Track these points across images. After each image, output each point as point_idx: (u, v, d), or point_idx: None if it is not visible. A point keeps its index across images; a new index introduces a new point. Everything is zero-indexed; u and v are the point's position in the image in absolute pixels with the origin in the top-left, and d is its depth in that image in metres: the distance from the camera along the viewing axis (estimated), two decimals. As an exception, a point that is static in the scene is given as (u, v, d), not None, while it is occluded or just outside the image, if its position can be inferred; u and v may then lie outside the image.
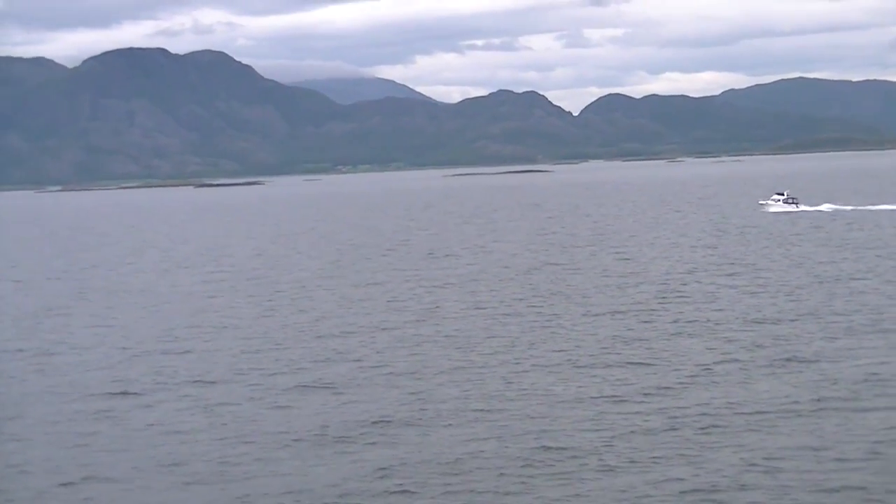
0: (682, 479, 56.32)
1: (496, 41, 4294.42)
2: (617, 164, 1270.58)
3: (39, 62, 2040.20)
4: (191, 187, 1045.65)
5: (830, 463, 58.08)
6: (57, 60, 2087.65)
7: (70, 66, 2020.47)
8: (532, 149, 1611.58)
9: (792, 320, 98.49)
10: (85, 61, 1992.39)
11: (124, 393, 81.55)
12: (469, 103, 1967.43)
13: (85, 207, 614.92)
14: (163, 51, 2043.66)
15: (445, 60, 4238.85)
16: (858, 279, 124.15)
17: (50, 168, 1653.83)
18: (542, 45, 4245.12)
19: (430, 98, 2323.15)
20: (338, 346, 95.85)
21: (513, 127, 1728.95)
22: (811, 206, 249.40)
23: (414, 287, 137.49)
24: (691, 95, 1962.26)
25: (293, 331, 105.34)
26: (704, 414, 68.09)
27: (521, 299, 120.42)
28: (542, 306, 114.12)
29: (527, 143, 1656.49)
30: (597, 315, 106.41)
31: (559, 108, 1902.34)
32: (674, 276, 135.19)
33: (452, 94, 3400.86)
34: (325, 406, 74.52)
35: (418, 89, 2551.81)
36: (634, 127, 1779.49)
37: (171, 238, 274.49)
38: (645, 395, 73.63)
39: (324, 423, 69.67)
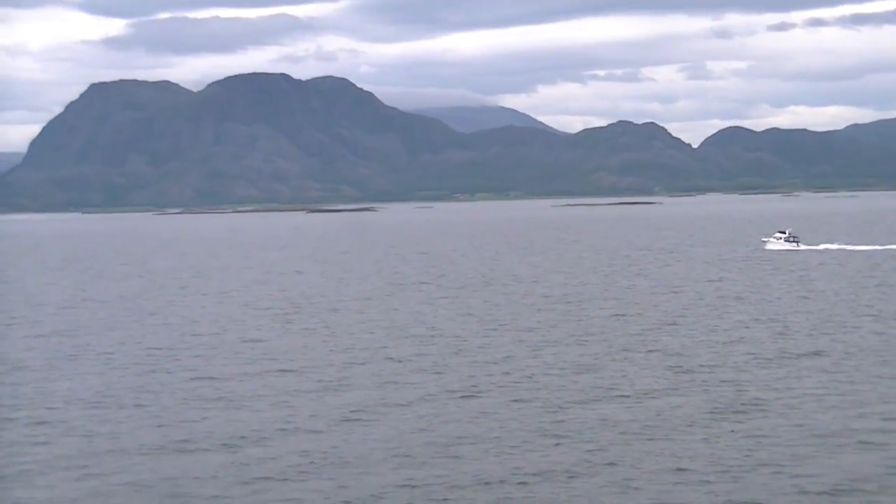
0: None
1: (619, 72, 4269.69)
2: (734, 197, 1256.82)
3: (164, 86, 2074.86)
4: (303, 212, 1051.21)
5: None
6: (182, 84, 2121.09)
7: (194, 90, 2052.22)
8: (649, 181, 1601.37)
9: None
10: (209, 86, 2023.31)
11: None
12: (588, 133, 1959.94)
13: (178, 228, 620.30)
14: (285, 76, 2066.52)
15: (568, 90, 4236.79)
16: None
17: (172, 191, 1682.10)
18: (665, 76, 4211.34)
19: (551, 128, 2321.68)
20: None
21: (631, 158, 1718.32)
22: (812, 245, 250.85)
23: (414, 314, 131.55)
24: (813, 130, 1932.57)
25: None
26: None
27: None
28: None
29: (644, 174, 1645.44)
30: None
31: (678, 140, 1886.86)
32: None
33: (574, 124, 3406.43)
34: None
35: (539, 118, 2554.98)
36: (754, 160, 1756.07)
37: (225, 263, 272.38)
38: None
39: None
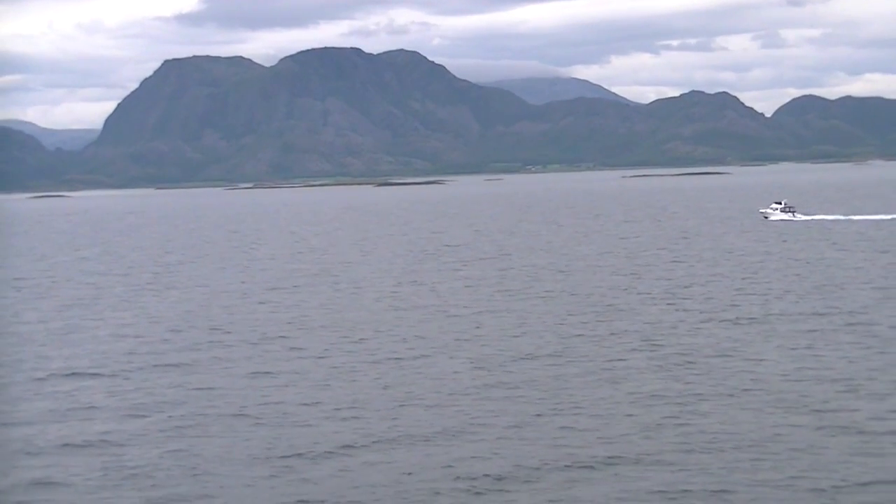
0: None
1: (692, 41, 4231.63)
2: (806, 166, 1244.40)
3: (237, 61, 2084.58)
4: (371, 186, 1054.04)
5: None
6: (255, 60, 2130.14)
7: (267, 65, 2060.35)
8: (723, 150, 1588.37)
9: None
10: (281, 60, 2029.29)
11: None
12: (661, 104, 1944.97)
13: (241, 203, 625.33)
14: (357, 50, 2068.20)
15: (640, 60, 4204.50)
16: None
17: (246, 166, 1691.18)
18: (738, 45, 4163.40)
19: (623, 98, 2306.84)
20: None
21: (704, 128, 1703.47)
22: (807, 215, 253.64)
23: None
24: (888, 97, 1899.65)
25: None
26: None
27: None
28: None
29: (718, 144, 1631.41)
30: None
31: (751, 109, 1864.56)
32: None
33: (647, 95, 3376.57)
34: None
35: (612, 89, 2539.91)
36: (828, 129, 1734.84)
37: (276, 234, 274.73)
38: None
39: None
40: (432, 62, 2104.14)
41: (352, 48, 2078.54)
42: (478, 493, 54.19)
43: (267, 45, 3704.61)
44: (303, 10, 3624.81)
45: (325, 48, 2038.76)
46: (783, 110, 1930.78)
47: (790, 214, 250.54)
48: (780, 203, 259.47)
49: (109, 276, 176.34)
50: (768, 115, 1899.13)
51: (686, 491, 53.35)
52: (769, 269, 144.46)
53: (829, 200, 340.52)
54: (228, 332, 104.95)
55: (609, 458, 58.75)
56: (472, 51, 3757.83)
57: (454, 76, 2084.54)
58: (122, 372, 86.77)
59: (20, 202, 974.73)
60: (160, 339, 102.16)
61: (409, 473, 57.31)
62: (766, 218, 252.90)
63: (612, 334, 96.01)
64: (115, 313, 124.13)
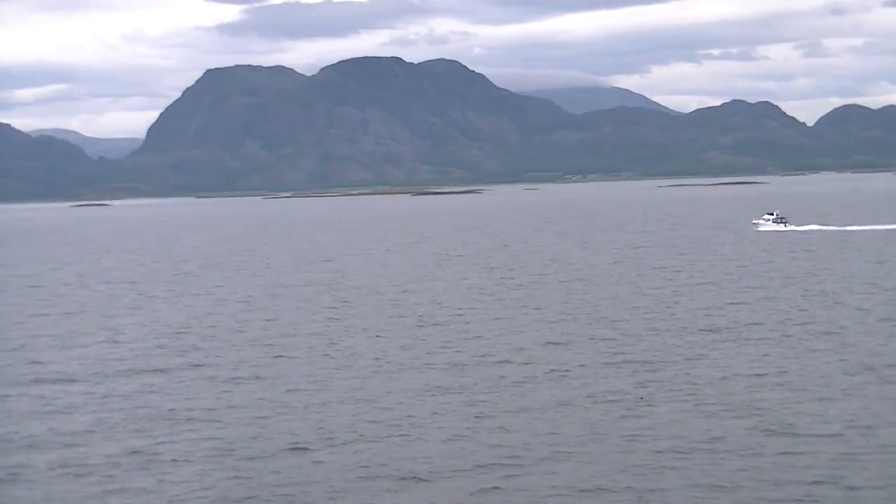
0: None
1: (733, 50, 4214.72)
2: (846, 175, 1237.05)
3: (278, 71, 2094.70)
4: (408, 195, 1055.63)
5: None
6: (296, 69, 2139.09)
7: (308, 74, 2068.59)
8: (762, 160, 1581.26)
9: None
10: (322, 70, 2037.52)
11: None
12: (701, 113, 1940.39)
13: (268, 212, 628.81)
14: (397, 59, 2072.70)
15: (681, 70, 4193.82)
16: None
17: (287, 175, 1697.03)
18: (780, 54, 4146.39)
19: (664, 107, 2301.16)
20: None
21: (744, 137, 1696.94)
22: (799, 225, 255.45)
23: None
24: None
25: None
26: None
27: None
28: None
29: (757, 153, 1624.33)
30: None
31: (793, 118, 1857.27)
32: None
33: (688, 104, 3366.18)
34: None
35: (654, 99, 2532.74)
36: (870, 138, 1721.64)
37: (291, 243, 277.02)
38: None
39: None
40: (472, 71, 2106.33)
41: (392, 57, 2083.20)
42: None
43: (308, 54, 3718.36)
44: (343, 21, 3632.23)
45: (366, 58, 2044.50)
46: (825, 120, 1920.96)
47: (782, 225, 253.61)
48: (772, 214, 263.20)
49: (123, 283, 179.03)
50: (810, 124, 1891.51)
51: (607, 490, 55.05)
52: (728, 278, 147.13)
53: (841, 211, 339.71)
54: (212, 339, 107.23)
55: (549, 455, 60.51)
56: (512, 60, 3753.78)
57: (494, 85, 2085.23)
58: (98, 376, 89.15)
59: (61, 210, 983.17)
60: (153, 346, 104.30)
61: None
62: (758, 229, 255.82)
63: (591, 338, 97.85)
64: (116, 320, 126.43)
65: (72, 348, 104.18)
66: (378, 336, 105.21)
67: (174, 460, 62.99)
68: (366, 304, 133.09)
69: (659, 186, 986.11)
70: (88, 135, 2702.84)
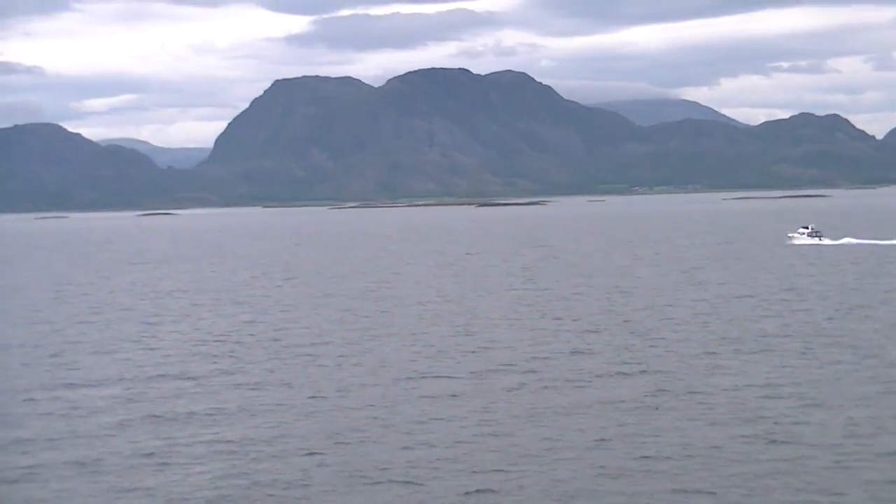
0: None
1: (803, 63, 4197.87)
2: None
3: (346, 81, 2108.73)
4: (473, 206, 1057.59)
5: None
6: (363, 80, 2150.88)
7: (375, 85, 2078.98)
8: (831, 173, 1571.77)
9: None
10: (389, 81, 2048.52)
11: None
12: (770, 126, 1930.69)
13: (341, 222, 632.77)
14: (465, 71, 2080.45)
15: (750, 82, 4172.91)
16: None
17: (353, 185, 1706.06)
18: (849, 67, 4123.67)
19: (732, 120, 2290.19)
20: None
21: (813, 150, 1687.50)
22: (833, 240, 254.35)
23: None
24: None
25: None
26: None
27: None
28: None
29: (826, 166, 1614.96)
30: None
31: (862, 131, 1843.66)
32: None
33: (757, 116, 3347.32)
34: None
35: (722, 111, 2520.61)
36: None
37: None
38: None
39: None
40: (539, 83, 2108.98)
41: (459, 69, 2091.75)
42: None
43: (375, 65, 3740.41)
44: (411, 32, 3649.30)
45: (433, 69, 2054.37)
46: (895, 133, 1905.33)
47: (816, 239, 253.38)
48: (807, 228, 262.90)
49: (173, 291, 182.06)
50: (879, 137, 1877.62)
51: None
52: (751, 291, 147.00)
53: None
54: (248, 347, 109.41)
55: (545, 458, 61.80)
56: (580, 72, 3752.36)
57: (561, 97, 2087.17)
58: (127, 381, 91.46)
59: (127, 219, 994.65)
60: (189, 353, 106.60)
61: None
62: (793, 242, 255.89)
63: (617, 348, 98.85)
64: (158, 327, 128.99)
65: (108, 354, 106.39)
66: (410, 345, 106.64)
67: (185, 462, 64.83)
68: (406, 314, 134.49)
69: (723, 199, 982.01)
70: (158, 144, 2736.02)
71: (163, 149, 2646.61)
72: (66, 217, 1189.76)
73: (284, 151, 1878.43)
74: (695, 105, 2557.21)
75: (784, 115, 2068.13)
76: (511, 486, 58.13)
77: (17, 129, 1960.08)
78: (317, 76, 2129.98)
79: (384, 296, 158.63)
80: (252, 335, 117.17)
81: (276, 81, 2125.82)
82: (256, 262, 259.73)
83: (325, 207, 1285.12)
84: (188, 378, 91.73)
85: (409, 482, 59.50)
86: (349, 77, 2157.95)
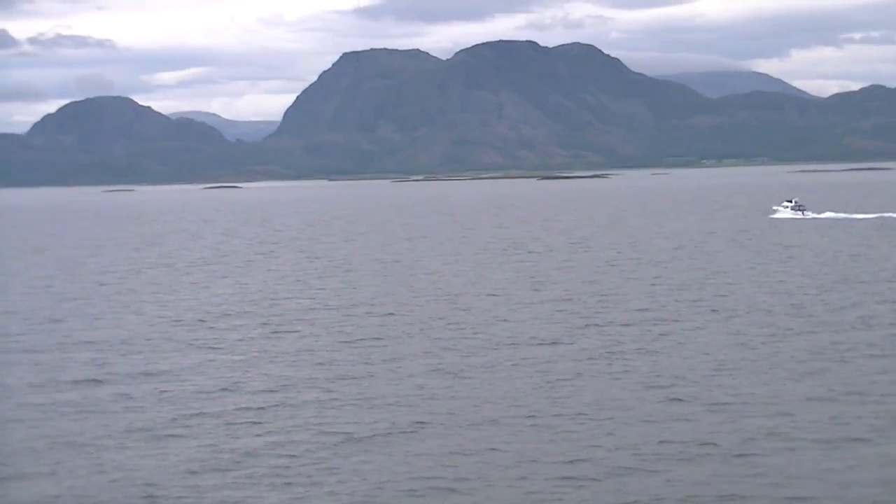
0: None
1: (875, 34, 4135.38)
2: None
3: (414, 54, 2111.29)
4: (535, 179, 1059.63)
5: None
6: (431, 53, 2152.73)
7: (443, 58, 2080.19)
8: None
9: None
10: (457, 53, 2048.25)
11: None
12: (840, 98, 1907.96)
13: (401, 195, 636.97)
14: (532, 43, 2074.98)
15: (822, 54, 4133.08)
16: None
17: (420, 158, 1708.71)
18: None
19: (803, 92, 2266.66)
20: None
21: (884, 123, 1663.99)
22: (817, 213, 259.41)
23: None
24: None
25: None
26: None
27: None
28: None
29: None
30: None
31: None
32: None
33: (828, 88, 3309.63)
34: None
35: (793, 83, 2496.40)
36: None
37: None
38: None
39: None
40: (607, 55, 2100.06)
41: (527, 41, 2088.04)
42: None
43: (443, 38, 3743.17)
44: (479, 4, 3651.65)
45: (500, 41, 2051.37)
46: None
47: (800, 212, 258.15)
48: (791, 201, 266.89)
49: (200, 262, 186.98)
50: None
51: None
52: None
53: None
54: (229, 317, 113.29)
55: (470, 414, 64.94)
56: (649, 44, 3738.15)
57: (629, 69, 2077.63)
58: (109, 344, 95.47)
59: (192, 192, 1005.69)
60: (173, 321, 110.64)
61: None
62: (777, 216, 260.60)
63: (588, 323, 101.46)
64: (164, 296, 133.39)
65: (101, 319, 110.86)
66: (395, 314, 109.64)
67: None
68: (412, 285, 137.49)
69: (787, 172, 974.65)
70: (227, 117, 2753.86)
71: (232, 122, 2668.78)
72: (132, 190, 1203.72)
73: (352, 124, 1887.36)
74: (765, 77, 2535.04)
75: (855, 87, 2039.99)
76: (428, 439, 60.93)
77: (88, 103, 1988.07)
78: (385, 49, 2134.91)
79: (394, 270, 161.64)
80: (250, 303, 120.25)
81: (345, 54, 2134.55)
82: (289, 234, 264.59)
83: (389, 180, 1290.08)
84: (163, 342, 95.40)
85: (349, 438, 62.57)
86: (417, 50, 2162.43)
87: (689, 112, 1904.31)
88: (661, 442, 59.65)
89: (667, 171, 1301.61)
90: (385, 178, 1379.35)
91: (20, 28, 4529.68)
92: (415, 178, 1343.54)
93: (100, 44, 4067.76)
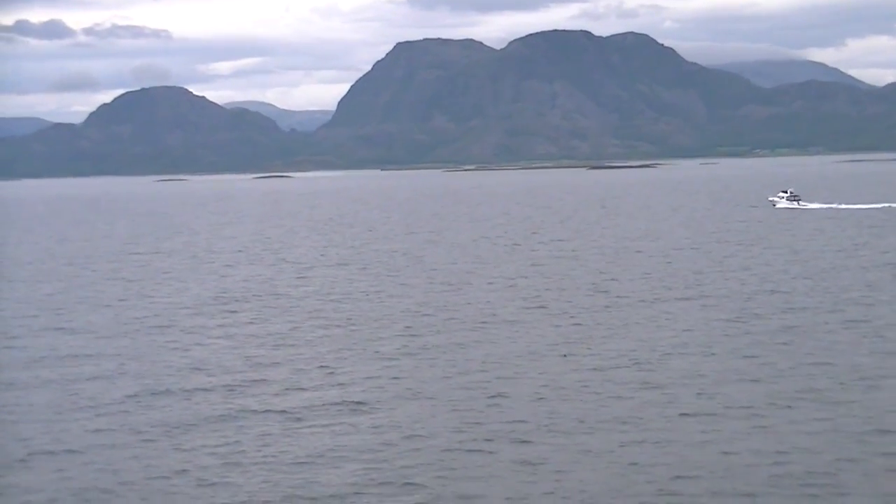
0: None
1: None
2: None
3: (468, 44, 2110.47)
4: (584, 169, 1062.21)
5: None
6: (485, 42, 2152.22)
7: (497, 48, 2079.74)
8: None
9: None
10: (510, 43, 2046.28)
11: None
12: (895, 87, 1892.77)
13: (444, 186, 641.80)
14: (586, 33, 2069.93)
15: (878, 43, 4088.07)
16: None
17: (473, 148, 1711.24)
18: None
19: (859, 81, 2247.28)
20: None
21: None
22: (811, 203, 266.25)
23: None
24: None
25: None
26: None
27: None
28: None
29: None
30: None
31: None
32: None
33: (885, 77, 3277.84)
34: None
35: (849, 72, 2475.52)
36: None
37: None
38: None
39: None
40: (661, 45, 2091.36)
41: (581, 31, 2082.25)
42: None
43: (497, 28, 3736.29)
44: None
45: (554, 31, 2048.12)
46: None
47: (795, 203, 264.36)
48: (787, 192, 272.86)
49: (224, 251, 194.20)
50: None
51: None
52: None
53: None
54: (239, 302, 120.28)
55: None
56: (703, 33, 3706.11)
57: (683, 59, 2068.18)
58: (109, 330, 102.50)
59: (242, 182, 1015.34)
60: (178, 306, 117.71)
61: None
62: (774, 205, 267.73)
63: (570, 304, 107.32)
64: (178, 284, 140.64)
65: (104, 307, 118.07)
66: (383, 296, 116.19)
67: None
68: (413, 274, 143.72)
69: (837, 162, 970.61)
70: (283, 107, 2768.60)
71: (288, 112, 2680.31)
72: (184, 180, 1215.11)
73: (405, 114, 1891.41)
74: (820, 66, 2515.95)
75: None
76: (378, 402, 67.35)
77: (144, 93, 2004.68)
78: (438, 39, 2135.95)
79: (403, 258, 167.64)
80: (251, 290, 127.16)
81: (399, 44, 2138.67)
82: (316, 225, 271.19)
83: (440, 171, 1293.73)
84: (163, 328, 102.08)
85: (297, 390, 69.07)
86: (470, 40, 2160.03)
87: (742, 102, 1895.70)
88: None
89: (716, 160, 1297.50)
90: (434, 169, 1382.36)
91: (76, 19, 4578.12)
92: (466, 167, 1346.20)
93: (156, 34, 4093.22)
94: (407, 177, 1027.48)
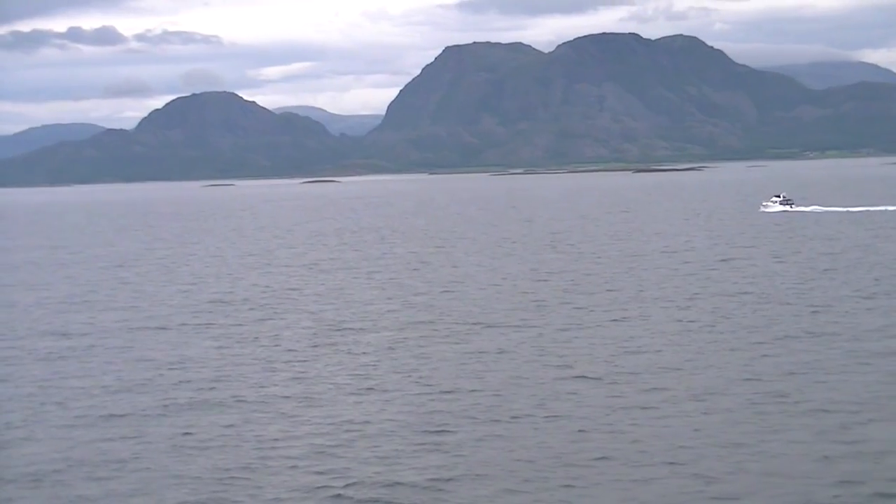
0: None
1: None
2: None
3: (516, 47, 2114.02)
4: (629, 172, 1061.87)
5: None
6: (534, 46, 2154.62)
7: (545, 51, 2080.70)
8: None
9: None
10: (559, 46, 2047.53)
11: None
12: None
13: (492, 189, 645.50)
14: (635, 36, 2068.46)
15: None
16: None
17: (523, 151, 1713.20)
18: None
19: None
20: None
21: None
22: (804, 207, 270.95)
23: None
24: None
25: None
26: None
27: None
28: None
29: None
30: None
31: None
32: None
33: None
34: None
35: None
36: None
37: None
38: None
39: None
40: (710, 47, 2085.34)
41: (630, 34, 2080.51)
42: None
43: (546, 31, 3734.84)
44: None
45: (603, 34, 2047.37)
46: None
47: (788, 206, 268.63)
48: (779, 196, 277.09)
49: (244, 256, 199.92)
50: None
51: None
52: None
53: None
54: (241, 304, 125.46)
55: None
56: (754, 35, 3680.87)
57: (732, 61, 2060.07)
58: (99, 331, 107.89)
59: (288, 187, 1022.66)
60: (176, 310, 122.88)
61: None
62: (767, 210, 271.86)
63: (559, 303, 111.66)
64: (181, 286, 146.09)
65: (101, 310, 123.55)
66: (382, 301, 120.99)
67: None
68: (415, 277, 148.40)
69: (883, 164, 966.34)
70: (334, 112, 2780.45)
71: (338, 116, 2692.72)
72: (232, 185, 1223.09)
73: (454, 118, 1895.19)
74: (873, 67, 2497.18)
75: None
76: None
77: (195, 98, 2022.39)
78: (487, 42, 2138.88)
79: (408, 262, 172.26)
80: (265, 293, 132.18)
81: (448, 48, 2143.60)
82: (341, 232, 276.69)
83: (487, 174, 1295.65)
84: (156, 329, 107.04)
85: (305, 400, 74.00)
86: (519, 43, 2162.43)
87: (793, 104, 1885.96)
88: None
89: (766, 163, 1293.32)
90: (482, 172, 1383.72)
91: (128, 25, 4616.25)
92: (513, 171, 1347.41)
93: (206, 39, 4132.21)
94: (461, 180, 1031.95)
